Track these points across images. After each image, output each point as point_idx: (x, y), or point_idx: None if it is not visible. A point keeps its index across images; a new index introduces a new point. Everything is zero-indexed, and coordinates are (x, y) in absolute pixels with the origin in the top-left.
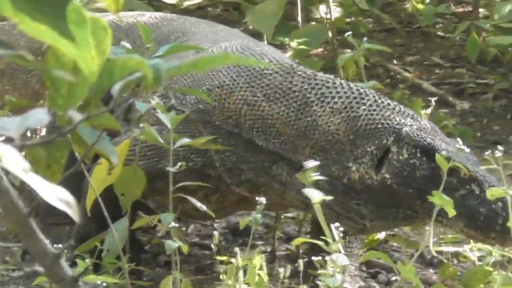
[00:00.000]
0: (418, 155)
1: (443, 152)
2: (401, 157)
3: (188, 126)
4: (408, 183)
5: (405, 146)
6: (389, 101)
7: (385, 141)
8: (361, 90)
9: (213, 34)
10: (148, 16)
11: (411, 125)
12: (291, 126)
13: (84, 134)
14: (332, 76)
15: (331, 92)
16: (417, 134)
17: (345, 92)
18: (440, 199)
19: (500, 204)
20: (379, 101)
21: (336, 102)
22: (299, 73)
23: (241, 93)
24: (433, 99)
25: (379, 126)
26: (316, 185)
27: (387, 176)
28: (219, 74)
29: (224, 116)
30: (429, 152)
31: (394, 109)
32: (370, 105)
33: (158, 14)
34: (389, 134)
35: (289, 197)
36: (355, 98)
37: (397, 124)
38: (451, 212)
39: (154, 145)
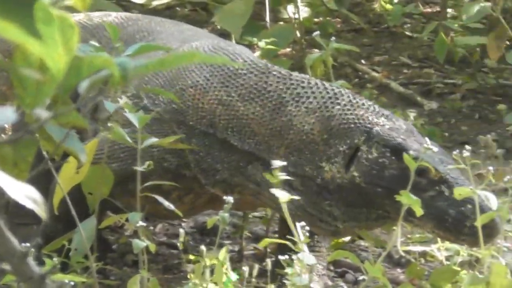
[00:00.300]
0: (388, 154)
1: (412, 152)
2: (370, 156)
3: (162, 126)
4: (376, 182)
5: (375, 145)
6: (364, 101)
7: (356, 140)
8: (337, 90)
9: (179, 33)
10: (113, 16)
11: (383, 124)
12: (266, 126)
13: (52, 132)
14: (308, 76)
15: (306, 92)
16: (387, 134)
17: (320, 92)
18: (408, 199)
19: (469, 206)
20: (354, 101)
21: (311, 102)
22: (274, 73)
23: (216, 93)
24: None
25: (352, 125)
26: (290, 185)
27: (356, 174)
28: (192, 74)
29: (198, 116)
30: (399, 151)
31: (368, 108)
32: (345, 105)
33: (124, 14)
34: (360, 133)
35: (263, 198)
36: (330, 98)
37: (369, 123)
38: (419, 212)
39: (127, 147)
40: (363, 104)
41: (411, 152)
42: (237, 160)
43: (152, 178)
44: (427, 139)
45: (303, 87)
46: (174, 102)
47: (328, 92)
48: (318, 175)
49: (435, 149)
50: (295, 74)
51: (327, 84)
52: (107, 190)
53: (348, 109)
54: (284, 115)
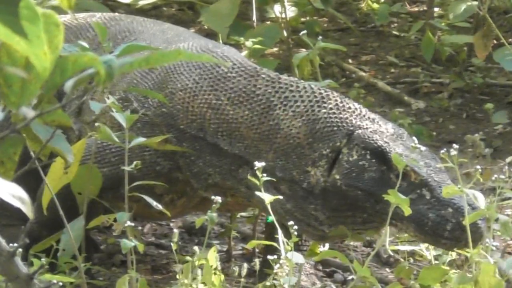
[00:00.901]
0: (368, 157)
1: (391, 155)
2: (350, 159)
3: (153, 130)
4: (356, 184)
5: (355, 148)
6: (352, 104)
7: (338, 143)
8: (325, 94)
9: (161, 33)
10: (97, 17)
11: (366, 127)
12: (254, 129)
13: (38, 131)
14: (296, 79)
15: (294, 96)
16: (368, 136)
17: (308, 96)
18: (396, 198)
19: (450, 210)
20: (341, 104)
21: (298, 106)
22: (263, 76)
23: (205, 97)
24: None
25: (335, 128)
26: (278, 190)
27: (337, 177)
28: (181, 77)
29: (189, 120)
30: (379, 154)
31: (354, 112)
32: (331, 108)
33: (108, 14)
34: (342, 136)
35: (255, 201)
36: (317, 101)
37: (351, 126)
38: (407, 211)
39: (118, 151)
40: (349, 108)
41: (390, 155)
42: (228, 163)
43: (147, 179)
44: (415, 142)
45: (291, 91)
46: (164, 106)
47: (316, 96)
48: (305, 179)
49: (422, 152)
50: (283, 77)
51: (316, 88)
52: (95, 190)
53: (334, 113)
54: (272, 119)
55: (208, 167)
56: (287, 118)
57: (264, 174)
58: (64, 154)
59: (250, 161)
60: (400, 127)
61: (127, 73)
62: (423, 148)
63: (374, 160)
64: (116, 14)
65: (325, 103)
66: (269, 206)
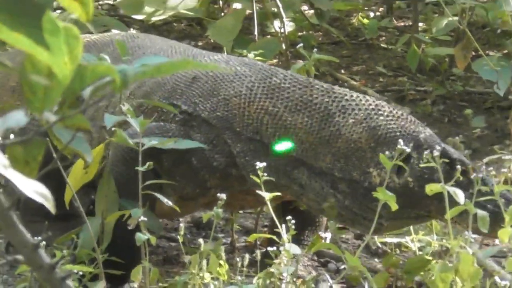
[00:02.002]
0: (436, 159)
1: (455, 156)
2: (421, 162)
3: (211, 128)
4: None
5: (424, 152)
6: (400, 112)
7: (406, 148)
8: (377, 102)
9: (168, 47)
10: (121, 35)
11: (424, 132)
12: (314, 135)
13: (60, 134)
14: (347, 90)
15: (351, 105)
16: (433, 140)
17: (363, 104)
18: (384, 195)
19: (503, 201)
20: (394, 112)
21: (356, 114)
22: (317, 86)
23: (261, 104)
24: None
25: (398, 134)
26: (335, 188)
27: (410, 179)
28: (233, 85)
29: (245, 124)
30: (443, 155)
31: (406, 119)
32: (387, 116)
33: (128, 33)
34: (408, 141)
35: (305, 198)
36: (373, 109)
37: (413, 132)
38: (394, 206)
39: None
40: (401, 115)
41: (454, 155)
42: (284, 164)
43: (201, 173)
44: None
45: (347, 100)
46: (218, 110)
47: (370, 104)
48: (365, 179)
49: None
50: (336, 87)
51: (366, 97)
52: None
53: (391, 119)
54: (333, 125)
55: (263, 167)
56: (348, 125)
57: (265, 175)
58: (84, 154)
59: (307, 163)
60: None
61: (166, 83)
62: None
63: (441, 161)
64: (134, 32)
65: (380, 111)
66: (268, 202)
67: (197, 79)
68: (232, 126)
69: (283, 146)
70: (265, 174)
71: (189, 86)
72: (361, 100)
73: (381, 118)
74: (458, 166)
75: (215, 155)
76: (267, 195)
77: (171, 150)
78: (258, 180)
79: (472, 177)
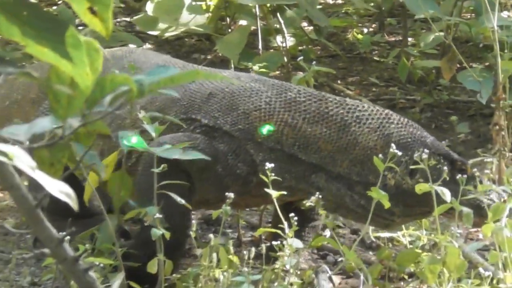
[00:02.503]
0: (442, 160)
1: (456, 157)
2: (429, 164)
3: (233, 140)
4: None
5: (432, 155)
6: (407, 119)
7: (417, 152)
8: (386, 112)
9: (162, 62)
10: (122, 50)
11: (429, 137)
12: (333, 143)
13: (75, 149)
14: (358, 101)
15: (364, 115)
16: (438, 144)
17: (375, 114)
18: (377, 194)
19: (493, 195)
20: (401, 120)
21: (370, 123)
22: (330, 99)
23: (280, 116)
24: None
25: (409, 140)
26: (352, 190)
27: (421, 181)
28: (251, 100)
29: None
30: (447, 157)
31: (412, 125)
32: (397, 123)
33: (128, 48)
34: (418, 146)
35: (323, 200)
36: (383, 118)
37: (421, 137)
38: (387, 204)
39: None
40: (408, 122)
41: (455, 157)
42: (303, 170)
43: (225, 181)
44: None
45: (359, 111)
46: (240, 123)
47: (381, 114)
48: (381, 182)
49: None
50: (348, 100)
51: (376, 107)
52: (126, 194)
53: (401, 127)
54: (350, 135)
55: (284, 173)
56: (364, 134)
57: (273, 175)
58: (98, 168)
59: (325, 169)
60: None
61: (181, 98)
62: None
63: (445, 163)
64: (134, 47)
65: (390, 119)
66: (275, 200)
67: (213, 95)
68: (253, 137)
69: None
70: (285, 179)
71: (206, 101)
72: (372, 110)
73: (393, 125)
74: (458, 166)
75: (238, 164)
76: (274, 193)
77: (198, 162)
78: (267, 180)
79: (470, 174)
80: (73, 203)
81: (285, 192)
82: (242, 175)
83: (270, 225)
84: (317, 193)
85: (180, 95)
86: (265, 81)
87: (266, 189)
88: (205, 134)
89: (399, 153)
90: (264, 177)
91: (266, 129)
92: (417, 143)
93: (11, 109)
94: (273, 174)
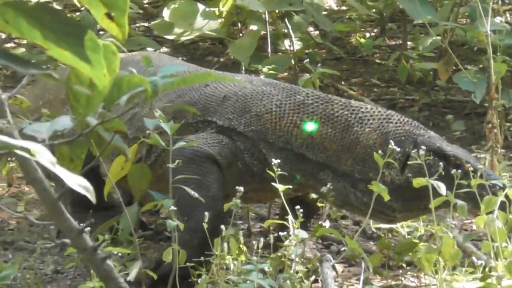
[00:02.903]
0: (431, 156)
1: (449, 153)
2: (418, 160)
3: (247, 139)
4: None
5: (421, 151)
6: (408, 119)
7: (407, 149)
8: (387, 112)
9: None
10: (153, 56)
11: (423, 135)
12: (337, 143)
13: (103, 134)
14: (362, 103)
15: (366, 116)
16: (429, 141)
17: (377, 115)
18: (377, 187)
19: (497, 187)
20: (401, 119)
21: (371, 123)
22: (336, 101)
23: (290, 118)
24: None
25: (403, 138)
26: (356, 187)
27: (410, 175)
28: (262, 103)
29: (277, 136)
30: (439, 153)
31: (411, 124)
32: (396, 123)
33: (145, 52)
34: (409, 143)
35: (330, 196)
36: (384, 118)
37: (413, 135)
38: (387, 197)
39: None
40: (407, 121)
41: (447, 152)
42: (311, 168)
43: (244, 177)
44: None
45: (363, 112)
46: (253, 125)
47: (382, 115)
48: (380, 179)
49: (462, 150)
50: (352, 101)
51: (379, 108)
52: (146, 184)
53: (399, 126)
54: (352, 134)
55: (294, 170)
56: (365, 133)
57: (279, 170)
58: (124, 150)
59: (331, 167)
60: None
61: (197, 102)
62: (456, 146)
63: (436, 158)
64: (151, 51)
65: (390, 119)
66: (281, 194)
67: (227, 98)
68: (265, 138)
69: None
70: (287, 174)
71: (221, 104)
72: (374, 111)
73: (391, 125)
74: (453, 161)
75: (254, 161)
76: (280, 187)
77: (225, 154)
78: (273, 175)
79: (467, 169)
80: (91, 196)
81: (291, 186)
82: (258, 173)
83: (277, 216)
84: (329, 184)
85: (196, 99)
86: (275, 84)
87: (273, 184)
88: (223, 133)
89: (397, 149)
90: (271, 172)
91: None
92: (408, 141)
93: (44, 109)
94: (279, 170)
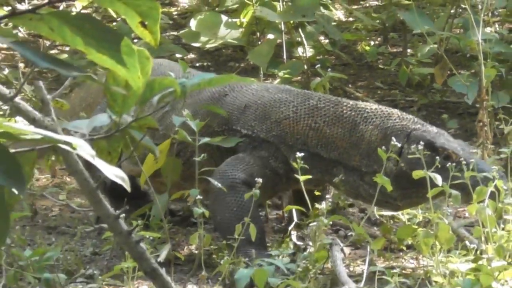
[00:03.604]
0: (421, 148)
1: (438, 144)
2: (409, 151)
3: (270, 145)
4: (416, 168)
5: (413, 144)
6: (408, 116)
7: (401, 142)
8: (389, 111)
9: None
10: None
11: (418, 129)
12: (346, 141)
13: (135, 134)
14: (369, 104)
15: (370, 114)
16: (421, 134)
17: (379, 113)
18: (381, 179)
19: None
20: (401, 116)
21: (374, 121)
22: (345, 104)
23: (305, 122)
24: None
25: (399, 132)
26: (363, 180)
27: (402, 165)
28: (281, 110)
29: (294, 139)
30: (429, 145)
31: (410, 120)
32: (395, 119)
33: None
34: (404, 137)
35: (343, 188)
36: (385, 116)
37: (408, 129)
38: (389, 188)
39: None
40: (407, 117)
41: (438, 144)
42: (325, 165)
43: (270, 175)
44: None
45: (367, 112)
46: (273, 130)
47: (384, 113)
48: (382, 170)
49: (458, 141)
50: (360, 103)
51: (383, 108)
52: (176, 176)
53: (398, 122)
54: (358, 132)
55: (312, 168)
56: (369, 130)
57: (302, 162)
58: (153, 149)
59: (342, 163)
60: (441, 129)
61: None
62: (460, 140)
63: (426, 150)
64: (162, 60)
65: (391, 116)
66: (302, 184)
67: (248, 107)
68: (285, 141)
69: None
70: (313, 174)
71: (243, 112)
72: (377, 110)
73: (391, 121)
74: (442, 152)
75: (279, 164)
76: (301, 178)
77: (258, 167)
78: (296, 166)
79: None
80: (127, 185)
81: (310, 176)
82: (284, 174)
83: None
84: (341, 175)
85: (220, 108)
86: (290, 91)
87: (296, 175)
88: (246, 143)
89: (398, 144)
90: (295, 164)
91: None
92: (402, 135)
93: (86, 110)
94: (302, 173)
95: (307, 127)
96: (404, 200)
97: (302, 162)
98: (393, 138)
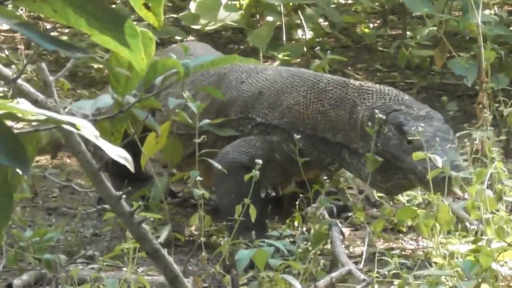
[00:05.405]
0: (392, 129)
1: (406, 128)
2: (384, 132)
3: (283, 131)
4: (386, 149)
5: (388, 125)
6: (404, 96)
7: (382, 123)
8: (388, 91)
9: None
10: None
11: (398, 110)
12: (347, 123)
13: (138, 113)
14: (373, 84)
15: (368, 96)
16: (395, 116)
17: (377, 93)
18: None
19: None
20: (394, 97)
21: (369, 101)
22: (351, 85)
23: (314, 106)
24: None
25: (382, 112)
26: (361, 162)
27: (378, 145)
28: (292, 96)
29: (305, 124)
30: (398, 127)
31: (399, 101)
32: (387, 100)
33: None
34: (384, 117)
35: (351, 169)
36: (379, 96)
37: (390, 110)
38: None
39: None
40: (402, 99)
41: (405, 127)
42: (333, 149)
43: (284, 165)
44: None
45: (367, 93)
46: (285, 117)
47: (381, 92)
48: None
49: (438, 127)
50: (366, 83)
51: (386, 87)
52: (178, 157)
53: (385, 103)
54: (355, 114)
55: (321, 153)
56: (362, 111)
57: (300, 144)
58: (155, 128)
59: (347, 145)
60: (436, 113)
61: (236, 99)
62: (442, 125)
63: (396, 132)
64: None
65: (384, 96)
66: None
67: (262, 94)
68: (296, 127)
69: None
70: (324, 159)
71: (257, 99)
72: (377, 90)
73: (381, 101)
74: (408, 135)
75: (292, 149)
76: (301, 160)
77: (263, 151)
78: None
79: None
80: (130, 166)
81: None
82: (296, 159)
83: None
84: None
85: (235, 96)
86: (301, 74)
87: (294, 157)
88: (260, 132)
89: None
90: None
91: None
92: (383, 115)
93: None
94: (312, 156)
95: (316, 111)
96: (389, 183)
97: (310, 148)
98: (372, 118)
